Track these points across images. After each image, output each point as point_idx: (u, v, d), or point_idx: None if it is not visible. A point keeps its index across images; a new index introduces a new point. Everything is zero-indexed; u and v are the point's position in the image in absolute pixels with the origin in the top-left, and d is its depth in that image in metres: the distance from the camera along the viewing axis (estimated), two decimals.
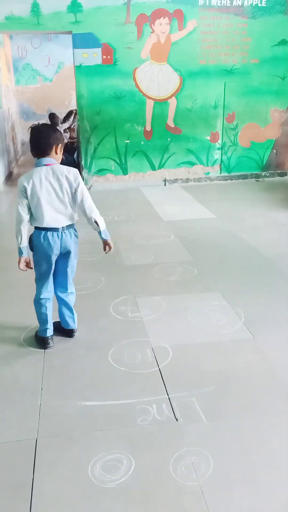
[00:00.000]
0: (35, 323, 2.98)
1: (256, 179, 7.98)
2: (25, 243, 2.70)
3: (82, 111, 7.18)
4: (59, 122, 8.97)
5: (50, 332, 2.89)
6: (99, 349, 2.85)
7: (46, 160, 2.64)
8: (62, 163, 8.84)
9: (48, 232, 2.68)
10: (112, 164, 7.52)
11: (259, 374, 2.57)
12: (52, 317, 2.91)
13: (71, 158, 8.68)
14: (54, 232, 2.69)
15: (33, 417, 2.26)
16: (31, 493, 1.83)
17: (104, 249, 2.88)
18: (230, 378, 2.53)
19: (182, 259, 4.33)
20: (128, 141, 7.43)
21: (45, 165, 2.64)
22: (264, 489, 1.83)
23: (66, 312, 2.96)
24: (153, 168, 7.67)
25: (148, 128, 7.45)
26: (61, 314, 2.98)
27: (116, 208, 6.32)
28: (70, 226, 2.76)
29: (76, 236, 2.83)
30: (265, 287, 3.67)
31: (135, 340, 2.95)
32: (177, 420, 2.22)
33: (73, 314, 2.99)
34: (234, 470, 1.92)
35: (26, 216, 2.66)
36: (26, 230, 2.70)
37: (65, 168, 2.67)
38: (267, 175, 8.04)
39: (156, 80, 7.26)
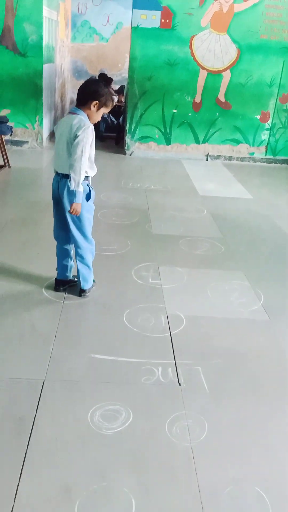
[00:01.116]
0: None
1: None
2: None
3: (133, 75, 7.09)
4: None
5: (58, 275, 3.05)
6: (115, 309, 2.92)
7: (74, 109, 2.70)
8: (107, 126, 8.85)
9: (56, 175, 2.80)
10: (156, 133, 7.44)
11: (269, 356, 2.58)
12: (62, 263, 3.02)
13: (117, 121, 8.65)
14: (55, 176, 2.81)
15: (43, 360, 2.36)
16: (32, 428, 1.94)
17: (69, 211, 2.73)
18: (239, 355, 2.55)
19: (211, 235, 4.31)
20: (175, 111, 7.32)
21: (70, 112, 2.71)
22: (252, 464, 1.87)
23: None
24: (197, 142, 7.55)
25: (198, 99, 7.29)
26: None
27: (154, 177, 6.29)
28: (67, 176, 2.68)
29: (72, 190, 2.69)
30: None
31: (151, 305, 3.00)
32: (180, 384, 2.27)
33: (82, 271, 2.95)
34: (227, 441, 1.97)
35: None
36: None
37: (78, 119, 2.63)
38: None
39: (212, 50, 7.04)
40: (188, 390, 2.24)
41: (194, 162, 7.44)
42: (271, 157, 7.71)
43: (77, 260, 2.95)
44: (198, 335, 2.72)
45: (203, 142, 7.55)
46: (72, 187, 2.65)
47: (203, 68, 7.14)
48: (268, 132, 7.57)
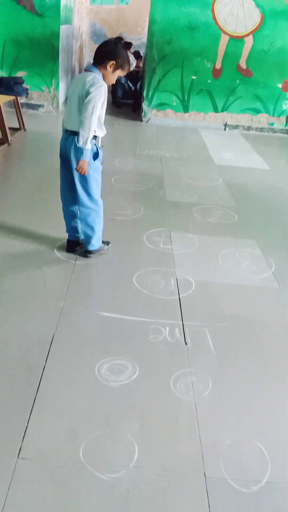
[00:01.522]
0: None
1: None
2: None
3: (152, 38, 6.91)
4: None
5: (69, 236, 3.08)
6: (126, 271, 2.95)
7: (90, 66, 2.67)
8: (124, 92, 8.71)
9: (65, 132, 2.78)
10: (174, 100, 7.30)
11: (276, 322, 2.60)
12: (70, 224, 3.04)
13: (134, 87, 8.49)
14: (64, 133, 2.79)
15: (54, 316, 2.42)
16: (41, 376, 2.01)
17: (76, 168, 2.72)
18: (246, 320, 2.58)
19: (225, 204, 4.28)
20: (194, 77, 7.14)
21: (85, 70, 2.70)
22: (253, 421, 1.92)
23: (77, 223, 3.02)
24: (216, 110, 7.39)
25: (218, 66, 7.10)
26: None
27: (170, 145, 6.21)
28: (77, 134, 2.65)
29: (80, 147, 2.65)
30: None
31: (161, 269, 3.02)
32: (186, 344, 2.32)
33: (86, 232, 2.96)
34: (229, 398, 2.01)
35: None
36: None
37: (92, 76, 2.60)
38: None
39: (235, 14, 6.80)
40: (194, 350, 2.28)
41: (212, 131, 7.30)
42: None
43: (81, 220, 2.96)
44: (207, 299, 2.75)
45: (222, 110, 7.39)
46: (80, 144, 2.62)
47: (225, 32, 6.91)
48: None
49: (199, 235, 3.57)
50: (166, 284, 2.85)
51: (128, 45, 9.20)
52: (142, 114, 7.38)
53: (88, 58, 11.54)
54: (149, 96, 7.27)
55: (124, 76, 8.45)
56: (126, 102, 8.46)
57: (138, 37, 11.62)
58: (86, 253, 3.04)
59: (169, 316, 2.53)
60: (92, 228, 2.95)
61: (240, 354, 2.30)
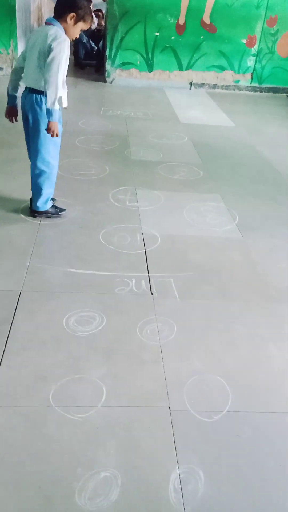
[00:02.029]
0: None
1: None
2: (8, 90, 2.79)
3: None
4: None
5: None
6: (92, 228, 2.96)
7: (50, 19, 2.57)
8: (86, 50, 8.43)
9: (24, 89, 2.70)
10: (138, 58, 7.13)
11: (239, 269, 2.68)
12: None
13: (97, 47, 8.23)
14: (24, 91, 2.70)
15: (20, 274, 2.44)
16: (9, 329, 2.04)
17: (46, 130, 2.61)
18: (210, 268, 2.65)
19: (190, 161, 4.29)
20: (157, 34, 6.97)
21: (45, 23, 2.59)
22: (216, 358, 2.01)
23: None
24: (181, 68, 7.27)
25: (181, 21, 6.93)
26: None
27: (135, 105, 6.12)
28: (35, 91, 2.61)
29: (39, 104, 2.62)
30: (268, 198, 3.67)
31: (127, 225, 3.05)
32: (152, 294, 2.38)
33: (33, 195, 2.92)
34: (194, 340, 2.10)
35: (16, 66, 2.72)
36: (15, 78, 2.76)
37: (54, 30, 2.51)
38: None
39: None
40: (160, 299, 2.35)
41: (177, 90, 7.21)
42: (257, 85, 7.50)
43: (31, 178, 2.88)
44: (172, 251, 2.80)
45: (187, 68, 7.28)
46: (49, 105, 2.53)
47: None
48: (254, 58, 7.30)
49: (164, 191, 3.60)
50: (132, 239, 2.88)
51: (88, 1, 8.83)
52: (106, 75, 7.20)
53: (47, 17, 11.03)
54: (112, 55, 7.08)
55: (86, 36, 8.19)
56: (89, 63, 8.21)
57: None
58: (31, 213, 2.99)
59: (135, 269, 2.58)
60: (40, 189, 2.88)
61: (204, 298, 2.39)
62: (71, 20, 2.54)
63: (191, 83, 7.37)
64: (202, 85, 7.41)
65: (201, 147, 4.70)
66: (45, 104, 2.55)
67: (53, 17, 2.57)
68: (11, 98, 2.80)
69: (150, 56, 7.12)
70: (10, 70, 6.96)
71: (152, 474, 1.51)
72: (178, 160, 4.28)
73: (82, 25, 2.59)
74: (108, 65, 7.12)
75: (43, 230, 2.88)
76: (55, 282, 2.41)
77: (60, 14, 2.53)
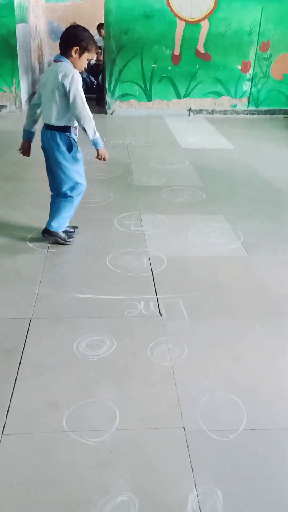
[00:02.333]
0: (43, 226, 3.13)
1: (285, 116, 7.69)
2: (25, 126, 2.96)
3: (109, 29, 6.93)
4: None
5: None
6: (99, 254, 3.00)
7: (58, 56, 2.69)
8: (86, 85, 8.65)
9: (43, 126, 2.84)
10: (137, 89, 7.35)
11: (245, 287, 2.69)
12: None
13: (96, 81, 8.50)
14: (42, 127, 2.85)
15: (29, 301, 2.46)
16: (21, 357, 2.05)
17: (97, 157, 2.91)
18: (217, 287, 2.66)
19: (192, 184, 4.36)
20: (154, 66, 7.20)
21: (54, 61, 2.70)
22: (227, 376, 2.00)
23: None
24: (179, 97, 7.46)
25: (177, 52, 7.16)
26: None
27: (136, 134, 6.27)
28: (50, 127, 2.77)
29: (54, 140, 2.78)
30: (269, 216, 3.70)
31: (134, 249, 3.08)
32: (161, 315, 2.39)
33: (51, 215, 3.01)
34: (204, 359, 2.09)
35: (32, 102, 2.86)
36: (31, 114, 2.92)
37: (63, 66, 2.63)
38: None
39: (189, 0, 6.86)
40: (169, 320, 2.36)
41: (176, 117, 7.38)
42: (254, 108, 7.66)
43: (54, 200, 3.01)
44: (179, 272, 2.82)
45: (185, 96, 7.47)
46: (91, 137, 2.75)
47: (181, 18, 6.98)
48: (250, 82, 7.49)
49: (168, 214, 3.65)
50: (138, 263, 2.91)
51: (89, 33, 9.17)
52: (106, 106, 7.41)
53: (48, 56, 11.47)
54: (112, 88, 7.30)
55: (86, 71, 8.47)
56: (90, 97, 8.45)
57: (96, 32, 11.58)
58: (43, 232, 3.07)
59: (143, 292, 2.59)
60: (59, 211, 2.99)
61: (212, 318, 2.39)
62: (75, 53, 2.65)
63: (189, 110, 7.55)
64: (200, 111, 7.59)
65: (203, 170, 4.78)
66: (81, 136, 2.81)
67: (60, 53, 2.69)
68: (26, 133, 2.99)
69: (148, 87, 7.34)
70: (14, 108, 7.22)
71: (170, 496, 1.48)
72: (180, 184, 4.36)
73: (87, 56, 2.70)
74: (108, 98, 7.34)
75: (50, 258, 2.93)
76: (64, 308, 2.43)
77: (65, 49, 2.66)
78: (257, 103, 7.64)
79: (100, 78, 8.33)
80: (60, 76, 2.60)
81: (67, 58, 2.66)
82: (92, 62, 8.84)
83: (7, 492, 1.49)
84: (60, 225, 3.04)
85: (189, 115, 7.57)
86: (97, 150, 2.85)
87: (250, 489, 1.52)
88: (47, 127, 2.79)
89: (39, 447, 1.64)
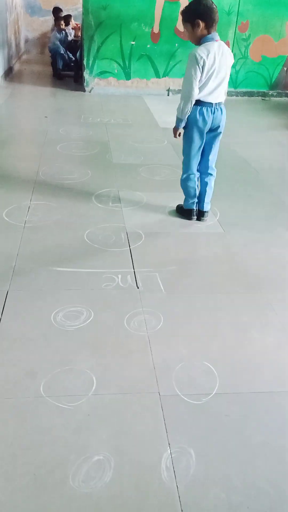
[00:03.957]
0: (20, 201, 3.10)
1: (263, 98, 7.73)
2: (187, 116, 2.88)
3: (88, 5, 6.77)
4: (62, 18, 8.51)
5: (196, 206, 3.19)
6: (77, 229, 3.00)
7: (216, 35, 2.69)
8: (64, 61, 8.54)
9: (204, 107, 2.85)
10: (115, 67, 7.24)
11: (221, 262, 2.75)
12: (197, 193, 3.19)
13: (74, 58, 8.33)
14: (208, 108, 2.86)
15: (6, 274, 2.46)
16: None
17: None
18: (193, 262, 2.72)
19: (171, 163, 4.37)
20: (133, 43, 7.09)
21: (216, 40, 2.68)
22: (202, 344, 2.06)
23: (207, 192, 3.17)
24: (158, 76, 7.40)
25: (156, 30, 7.07)
26: (201, 195, 3.19)
27: (114, 112, 6.21)
28: (221, 103, 2.91)
29: (224, 112, 2.95)
30: (246, 195, 3.76)
31: (111, 225, 3.10)
32: (138, 288, 2.42)
33: (207, 197, 3.19)
34: (180, 329, 2.15)
35: (197, 91, 2.77)
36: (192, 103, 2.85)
37: (226, 45, 2.76)
38: (274, 94, 7.77)
39: None
40: (146, 292, 2.39)
41: (155, 97, 7.32)
42: (232, 89, 7.66)
43: (209, 182, 3.16)
44: (156, 248, 2.86)
45: (164, 75, 7.41)
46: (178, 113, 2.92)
47: None
48: None
49: (147, 192, 3.66)
50: (116, 238, 2.93)
51: (69, 17, 8.95)
52: (85, 84, 7.29)
53: (25, 31, 11.16)
54: (90, 65, 7.17)
55: (63, 47, 8.29)
56: (67, 73, 8.30)
57: (75, 7, 11.26)
58: (200, 215, 3.21)
59: (121, 266, 2.62)
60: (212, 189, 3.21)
61: (188, 291, 2.44)
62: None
63: (168, 90, 7.50)
64: (179, 91, 7.52)
65: (181, 149, 4.78)
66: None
67: (214, 30, 2.69)
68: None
69: (127, 65, 7.24)
70: None
71: (144, 455, 1.54)
72: (158, 162, 4.36)
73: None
74: (86, 75, 7.22)
75: (27, 232, 2.91)
76: (41, 281, 2.44)
77: (215, 27, 2.70)
78: (235, 84, 7.65)
79: (78, 54, 8.17)
80: (230, 57, 2.76)
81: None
82: (70, 38, 8.65)
83: None
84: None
85: (168, 95, 7.53)
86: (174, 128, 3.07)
87: (221, 447, 1.59)
88: (218, 104, 2.88)
89: (18, 411, 1.67)
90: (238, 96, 7.69)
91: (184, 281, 2.52)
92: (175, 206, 3.38)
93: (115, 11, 6.82)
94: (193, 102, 2.81)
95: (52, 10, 9.13)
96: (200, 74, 2.70)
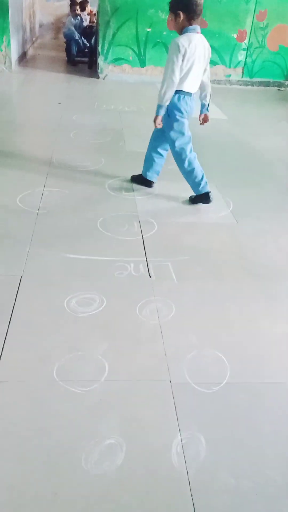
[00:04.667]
0: (34, 188, 3.12)
1: (278, 88, 7.63)
2: (167, 103, 2.99)
3: None
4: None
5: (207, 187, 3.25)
6: (89, 217, 3.02)
7: (197, 27, 2.81)
8: (78, 48, 8.51)
9: (186, 95, 2.99)
10: (130, 54, 7.18)
11: (231, 252, 2.75)
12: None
13: (89, 44, 8.27)
14: (188, 96, 3.00)
15: (20, 259, 2.49)
16: (12, 312, 2.09)
17: (201, 120, 3.27)
18: (206, 252, 2.72)
19: None
20: (149, 30, 7.02)
21: (197, 32, 2.81)
22: (213, 334, 2.07)
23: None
24: None
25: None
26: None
27: (128, 100, 6.18)
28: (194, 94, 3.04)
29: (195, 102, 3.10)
30: (258, 185, 3.75)
31: (124, 213, 3.10)
32: (150, 277, 2.44)
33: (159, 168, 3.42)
34: (191, 318, 2.16)
35: (178, 78, 2.88)
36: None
37: (205, 39, 2.91)
38: None
39: None
40: (158, 281, 2.41)
41: None
42: (248, 79, 7.57)
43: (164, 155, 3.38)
44: (169, 237, 2.86)
45: None
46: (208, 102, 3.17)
47: None
48: (245, 52, 7.37)
49: (159, 181, 3.65)
50: (129, 226, 2.94)
51: (85, 3, 8.87)
52: (99, 71, 7.24)
53: (39, 15, 11.08)
54: (105, 51, 7.12)
55: (78, 33, 8.22)
56: (82, 59, 8.25)
57: None
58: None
59: (134, 254, 2.63)
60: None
61: (200, 281, 2.45)
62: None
63: None
64: None
65: (195, 139, 4.70)
66: None
67: (195, 22, 2.83)
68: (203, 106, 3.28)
69: (142, 52, 7.18)
70: (3, 67, 7.01)
71: (155, 441, 1.57)
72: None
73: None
74: (100, 61, 7.17)
75: (41, 218, 2.93)
76: (55, 267, 2.46)
77: (197, 19, 2.83)
78: (251, 73, 7.55)
79: (92, 41, 8.10)
80: (208, 49, 2.92)
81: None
82: (85, 24, 8.58)
83: (2, 438, 1.55)
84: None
85: None
86: (206, 114, 3.37)
87: (231, 435, 1.61)
88: (194, 94, 3.03)
89: (31, 395, 1.70)
90: (253, 85, 7.60)
91: (196, 271, 2.53)
92: (188, 196, 3.37)
93: None
94: (174, 89, 2.89)
95: None
96: (181, 62, 2.81)
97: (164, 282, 2.40)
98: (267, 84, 7.61)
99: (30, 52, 9.18)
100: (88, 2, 9.17)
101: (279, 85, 7.64)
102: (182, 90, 2.93)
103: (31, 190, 3.28)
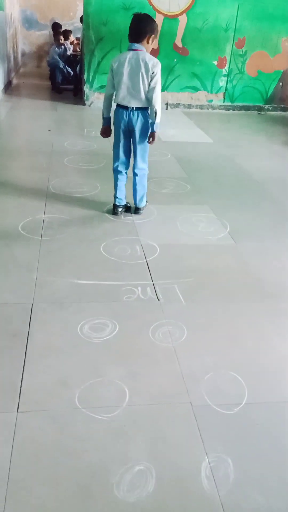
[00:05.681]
0: (34, 214, 3.15)
1: (259, 112, 7.90)
2: (104, 114, 3.27)
3: (88, 20, 6.89)
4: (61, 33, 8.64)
5: (118, 201, 3.43)
6: (92, 242, 3.05)
7: (135, 45, 2.93)
8: (63, 75, 8.63)
9: (121, 109, 3.12)
10: None
11: (235, 272, 2.81)
12: (124, 190, 3.44)
13: (73, 72, 8.43)
14: (124, 110, 3.12)
15: (29, 287, 2.49)
16: (27, 340, 2.09)
17: (148, 139, 3.21)
18: (209, 273, 2.78)
19: (176, 176, 4.46)
20: None
21: (133, 50, 2.93)
22: (227, 355, 2.11)
23: (134, 189, 3.43)
24: None
25: (155, 45, 7.18)
26: (133, 192, 3.46)
27: None
28: (140, 108, 3.09)
29: (144, 118, 3.12)
30: (252, 205, 3.85)
31: (126, 237, 3.15)
32: (158, 299, 2.47)
33: (135, 192, 3.42)
34: (204, 339, 2.20)
35: (110, 91, 3.13)
36: (109, 104, 3.22)
37: (148, 56, 2.97)
38: (270, 108, 7.95)
39: None
40: (166, 304, 2.44)
41: None
42: (229, 103, 7.82)
43: (138, 182, 3.38)
44: (172, 259, 2.91)
45: (162, 90, 7.49)
46: (158, 120, 3.09)
47: (159, 12, 7.03)
48: (226, 78, 7.64)
49: (156, 205, 3.72)
50: (132, 250, 2.98)
51: (68, 32, 9.09)
52: (85, 98, 7.38)
53: (22, 45, 11.28)
54: (90, 79, 7.27)
55: (62, 61, 8.40)
56: (67, 87, 8.40)
57: (71, 22, 11.44)
58: (138, 211, 3.50)
59: (140, 278, 2.67)
60: (144, 187, 3.44)
61: (208, 302, 2.50)
62: (151, 41, 2.97)
63: (167, 104, 7.63)
64: (177, 105, 7.68)
65: (185, 163, 4.89)
66: (151, 118, 3.10)
67: (136, 42, 2.92)
68: (107, 120, 3.34)
69: None
70: None
71: (184, 464, 1.58)
72: (164, 175, 4.44)
73: (155, 42, 3.05)
74: (86, 89, 7.31)
75: (45, 245, 2.95)
76: (64, 293, 2.47)
77: (143, 38, 2.92)
78: (232, 98, 7.81)
79: (77, 68, 8.28)
80: (150, 64, 2.94)
81: (143, 46, 2.93)
82: (69, 53, 8.78)
83: (33, 464, 1.54)
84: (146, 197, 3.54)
85: (167, 108, 7.65)
86: (153, 133, 3.15)
87: (257, 455, 1.63)
88: (137, 109, 3.09)
89: (55, 422, 1.70)
90: (235, 110, 7.85)
91: (202, 292, 2.58)
92: (184, 219, 3.45)
93: (115, 27, 6.94)
94: (106, 102, 3.22)
95: (51, 25, 9.27)
96: (112, 78, 3.08)
97: (172, 305, 2.44)
98: (247, 109, 7.88)
99: (15, 81, 9.30)
100: (71, 31, 9.40)
101: (259, 109, 7.92)
102: (117, 103, 3.14)
103: (31, 217, 3.30)
